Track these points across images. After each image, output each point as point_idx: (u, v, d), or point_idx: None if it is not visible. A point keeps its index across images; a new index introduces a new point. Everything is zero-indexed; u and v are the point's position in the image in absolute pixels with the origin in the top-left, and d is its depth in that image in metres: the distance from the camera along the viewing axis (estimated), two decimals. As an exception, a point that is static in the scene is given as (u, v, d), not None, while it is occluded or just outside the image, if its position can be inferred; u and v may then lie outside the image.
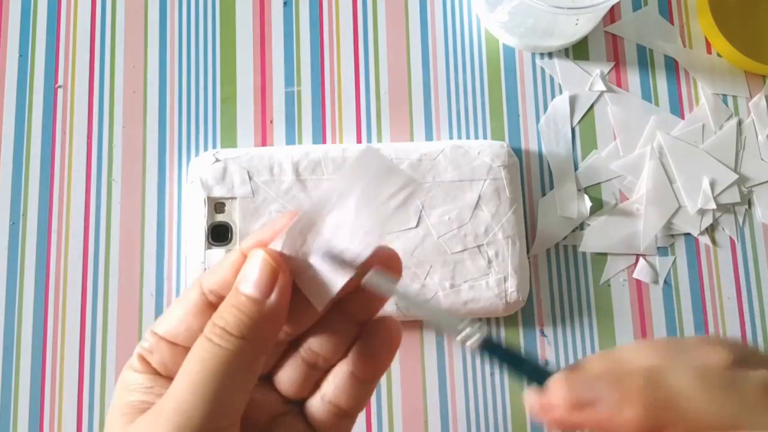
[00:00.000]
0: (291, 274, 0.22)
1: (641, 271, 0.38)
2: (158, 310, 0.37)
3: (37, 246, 0.37)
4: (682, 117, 0.40)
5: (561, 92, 0.40)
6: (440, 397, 0.36)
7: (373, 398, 0.36)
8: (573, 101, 0.39)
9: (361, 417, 0.35)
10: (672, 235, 0.38)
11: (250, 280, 0.21)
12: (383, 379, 0.36)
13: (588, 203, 0.38)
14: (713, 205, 0.38)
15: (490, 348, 0.22)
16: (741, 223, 0.39)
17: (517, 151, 0.39)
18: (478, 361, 0.36)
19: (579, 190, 0.38)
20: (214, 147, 0.39)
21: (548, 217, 0.38)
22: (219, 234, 0.36)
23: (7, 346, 0.36)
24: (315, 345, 0.23)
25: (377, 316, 0.24)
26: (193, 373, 0.20)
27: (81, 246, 0.37)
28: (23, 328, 0.36)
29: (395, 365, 0.36)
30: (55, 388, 0.36)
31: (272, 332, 0.21)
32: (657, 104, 0.40)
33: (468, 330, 0.22)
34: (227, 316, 0.21)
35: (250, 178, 0.36)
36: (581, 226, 0.38)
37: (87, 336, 0.36)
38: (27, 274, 0.37)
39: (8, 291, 0.37)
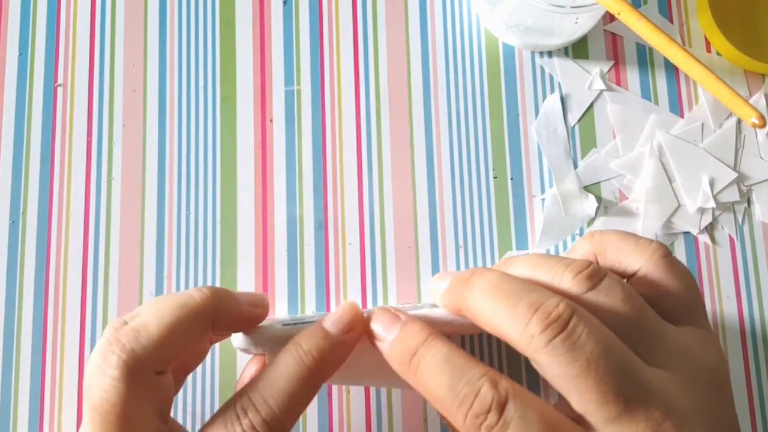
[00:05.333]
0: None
1: (641, 270, 0.38)
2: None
3: (36, 245, 0.37)
4: (682, 116, 0.40)
5: (561, 91, 0.40)
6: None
7: (373, 398, 0.36)
8: (567, 100, 0.40)
9: (361, 416, 0.35)
10: (671, 234, 0.38)
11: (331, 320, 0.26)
12: (383, 378, 0.36)
13: (594, 203, 0.38)
14: (712, 204, 0.38)
15: None
16: (740, 222, 0.39)
17: (516, 150, 0.39)
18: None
19: (581, 188, 0.38)
20: (214, 146, 0.39)
21: (552, 217, 0.38)
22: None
23: (7, 345, 0.36)
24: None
25: None
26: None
27: (81, 245, 0.37)
28: (23, 327, 0.36)
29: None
30: (55, 388, 0.36)
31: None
32: (656, 103, 0.40)
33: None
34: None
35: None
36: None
37: (87, 335, 0.36)
38: (27, 273, 0.37)
39: (8, 290, 0.37)
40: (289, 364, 0.24)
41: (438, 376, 0.23)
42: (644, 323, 0.23)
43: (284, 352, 0.25)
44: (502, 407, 0.21)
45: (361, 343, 0.26)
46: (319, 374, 0.24)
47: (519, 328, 0.22)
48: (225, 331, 0.27)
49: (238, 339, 0.27)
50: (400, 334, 0.24)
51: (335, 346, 0.25)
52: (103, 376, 0.23)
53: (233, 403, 0.24)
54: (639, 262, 0.26)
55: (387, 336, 0.25)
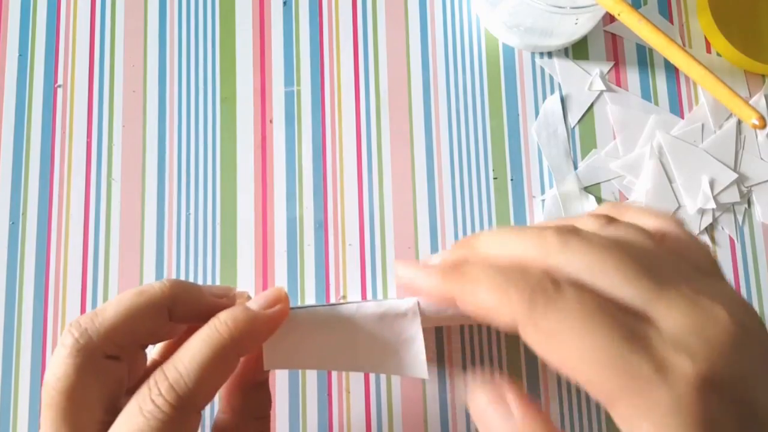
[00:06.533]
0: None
1: (641, 271, 0.38)
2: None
3: (36, 246, 0.37)
4: (682, 116, 0.40)
5: (561, 92, 0.40)
6: (440, 393, 0.36)
7: (374, 398, 0.36)
8: (567, 101, 0.40)
9: (361, 416, 0.35)
10: (671, 235, 0.38)
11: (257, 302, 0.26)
12: (383, 379, 0.36)
13: (594, 204, 0.38)
14: (713, 205, 0.38)
15: None
16: (740, 223, 0.39)
17: (516, 151, 0.39)
18: (478, 357, 0.36)
19: (581, 189, 0.38)
20: (214, 146, 0.39)
21: (552, 218, 0.38)
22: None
23: (7, 345, 0.36)
24: None
25: None
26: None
27: (81, 246, 0.37)
28: (23, 327, 0.36)
29: (395, 365, 0.36)
30: (55, 388, 0.36)
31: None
32: (656, 104, 0.40)
33: None
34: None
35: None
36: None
37: (87, 335, 0.36)
38: (27, 274, 0.37)
39: (8, 291, 0.37)
40: (203, 333, 0.24)
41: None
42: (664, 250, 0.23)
43: (204, 326, 0.25)
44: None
45: (346, 325, 0.26)
46: (234, 345, 0.24)
47: (536, 242, 0.22)
48: (187, 321, 0.27)
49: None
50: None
51: (253, 318, 0.25)
52: (57, 355, 0.24)
53: (152, 374, 0.24)
54: (656, 223, 0.25)
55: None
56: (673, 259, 0.23)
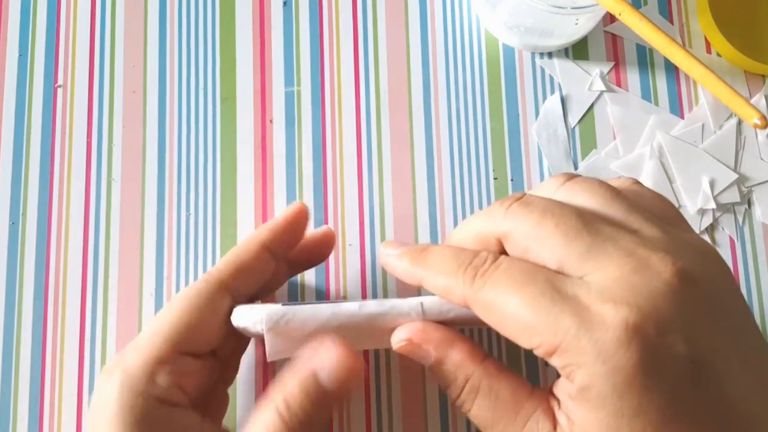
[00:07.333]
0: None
1: (641, 271, 0.38)
2: (158, 310, 0.37)
3: (36, 246, 0.37)
4: (682, 117, 0.40)
5: (561, 92, 0.40)
6: (440, 392, 0.36)
7: (374, 398, 0.36)
8: (567, 101, 0.40)
9: (361, 416, 0.35)
10: (672, 235, 0.38)
11: (328, 372, 0.25)
12: (383, 379, 0.36)
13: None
14: (713, 205, 0.38)
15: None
16: (741, 223, 0.39)
17: (516, 151, 0.39)
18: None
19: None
20: (214, 146, 0.39)
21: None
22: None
23: (7, 346, 0.36)
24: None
25: None
26: None
27: (81, 246, 0.37)
28: (23, 328, 0.36)
29: (394, 366, 0.36)
30: (55, 388, 0.36)
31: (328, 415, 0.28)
32: (657, 104, 0.40)
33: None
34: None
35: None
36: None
37: (86, 336, 0.36)
38: (27, 274, 0.37)
39: (8, 291, 0.37)
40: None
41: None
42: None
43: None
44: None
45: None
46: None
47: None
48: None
49: (237, 317, 0.28)
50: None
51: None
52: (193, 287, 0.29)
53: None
54: (616, 182, 0.27)
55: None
56: (624, 210, 0.24)
